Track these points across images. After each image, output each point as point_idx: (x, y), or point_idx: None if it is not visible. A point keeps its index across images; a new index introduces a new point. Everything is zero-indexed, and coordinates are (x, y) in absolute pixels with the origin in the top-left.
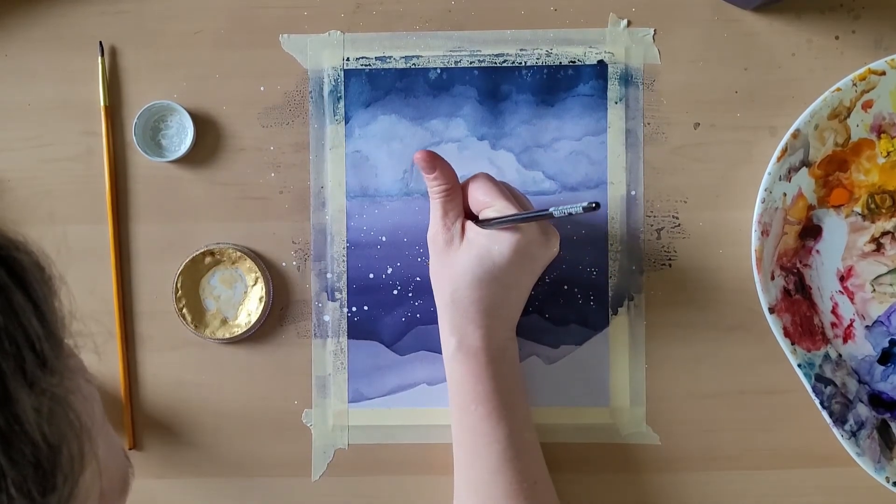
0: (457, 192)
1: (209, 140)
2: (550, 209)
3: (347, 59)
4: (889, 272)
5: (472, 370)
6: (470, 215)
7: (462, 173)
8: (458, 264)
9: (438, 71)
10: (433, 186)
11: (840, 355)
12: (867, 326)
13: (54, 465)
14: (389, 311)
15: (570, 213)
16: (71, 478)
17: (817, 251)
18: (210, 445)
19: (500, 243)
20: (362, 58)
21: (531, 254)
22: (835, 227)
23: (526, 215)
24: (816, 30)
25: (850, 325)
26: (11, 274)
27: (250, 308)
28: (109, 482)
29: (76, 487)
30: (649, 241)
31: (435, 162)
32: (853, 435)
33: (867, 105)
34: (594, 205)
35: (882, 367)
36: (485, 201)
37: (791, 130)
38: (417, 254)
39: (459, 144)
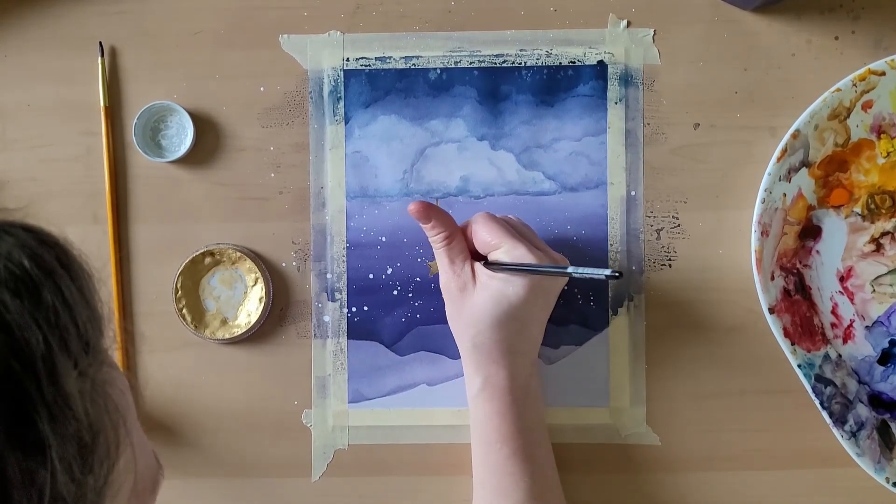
0: (458, 237)
1: (209, 140)
2: (569, 269)
3: (347, 60)
4: (889, 272)
5: (497, 409)
6: (476, 255)
7: (462, 173)
8: (475, 308)
9: (438, 71)
10: (433, 236)
11: (840, 356)
12: (867, 327)
13: (94, 447)
14: (389, 311)
15: (590, 277)
16: (107, 463)
17: (817, 251)
18: (210, 446)
19: (513, 284)
20: (362, 58)
21: (544, 288)
22: (834, 227)
23: (540, 269)
24: (816, 30)
25: (850, 326)
26: (62, 263)
27: (250, 308)
28: (141, 479)
29: (111, 474)
30: (649, 241)
31: (429, 211)
32: (853, 435)
33: (867, 105)
34: (617, 274)
35: (882, 368)
36: (492, 243)
37: (791, 131)
38: (417, 254)
39: (459, 145)
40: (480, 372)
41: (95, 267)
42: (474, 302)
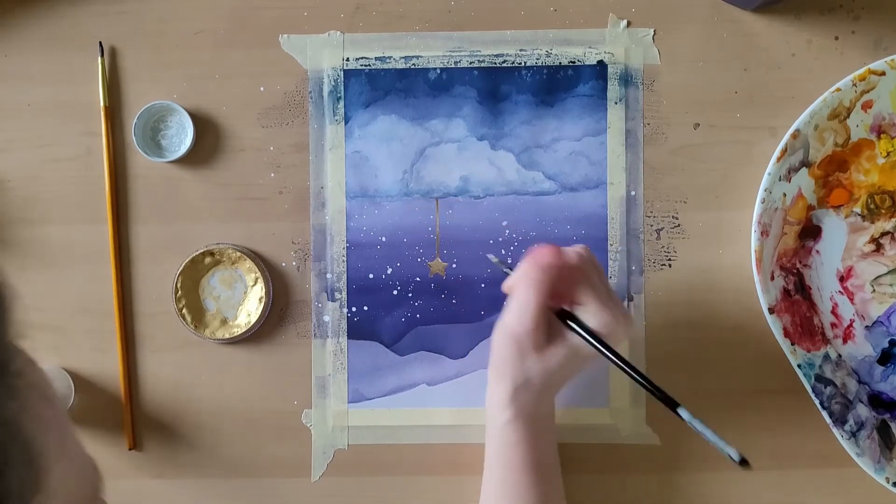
0: (550, 288)
1: (209, 140)
2: (645, 382)
3: (347, 60)
4: (889, 272)
5: (527, 438)
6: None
7: (462, 173)
8: (546, 362)
9: (438, 71)
10: (539, 280)
11: (840, 356)
12: (867, 327)
13: (5, 481)
14: (389, 311)
15: (654, 394)
16: (29, 491)
17: (817, 251)
18: (210, 445)
19: (587, 345)
20: (362, 58)
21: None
22: (834, 227)
23: (632, 372)
24: (816, 30)
25: (850, 326)
26: None
27: (250, 308)
28: (78, 490)
29: (36, 497)
30: (649, 241)
31: (556, 260)
32: (853, 435)
33: (867, 105)
34: (740, 461)
35: (882, 368)
36: (576, 300)
37: (791, 131)
38: (417, 254)
39: (459, 145)
40: (516, 406)
41: (7, 283)
42: (547, 356)
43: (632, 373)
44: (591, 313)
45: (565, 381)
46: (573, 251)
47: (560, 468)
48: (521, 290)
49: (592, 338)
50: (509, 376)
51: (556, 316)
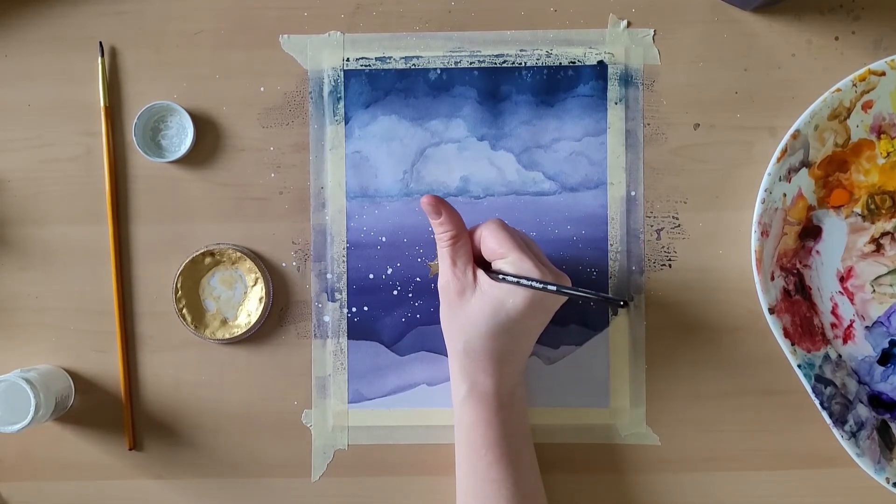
0: (465, 239)
1: (209, 140)
2: (573, 289)
3: (347, 60)
4: (889, 273)
5: (482, 416)
6: (480, 261)
7: (462, 173)
8: (472, 315)
9: (438, 71)
10: (440, 233)
11: (840, 356)
12: (867, 327)
13: None
14: (389, 311)
15: (591, 299)
16: None
17: (817, 252)
18: (210, 446)
19: (514, 296)
20: (362, 58)
21: (544, 304)
22: (834, 227)
23: (546, 285)
24: (816, 30)
25: (850, 326)
26: None
27: (250, 308)
28: None
29: None
30: (649, 241)
31: (440, 206)
32: (853, 435)
33: (867, 106)
34: (621, 303)
35: (882, 368)
36: (499, 251)
37: (791, 131)
38: (417, 254)
39: (459, 145)
40: (467, 378)
41: None
42: (471, 308)
43: (558, 289)
44: (510, 263)
45: (514, 351)
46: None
47: (531, 446)
48: (438, 251)
49: (514, 278)
50: (449, 341)
51: (483, 272)
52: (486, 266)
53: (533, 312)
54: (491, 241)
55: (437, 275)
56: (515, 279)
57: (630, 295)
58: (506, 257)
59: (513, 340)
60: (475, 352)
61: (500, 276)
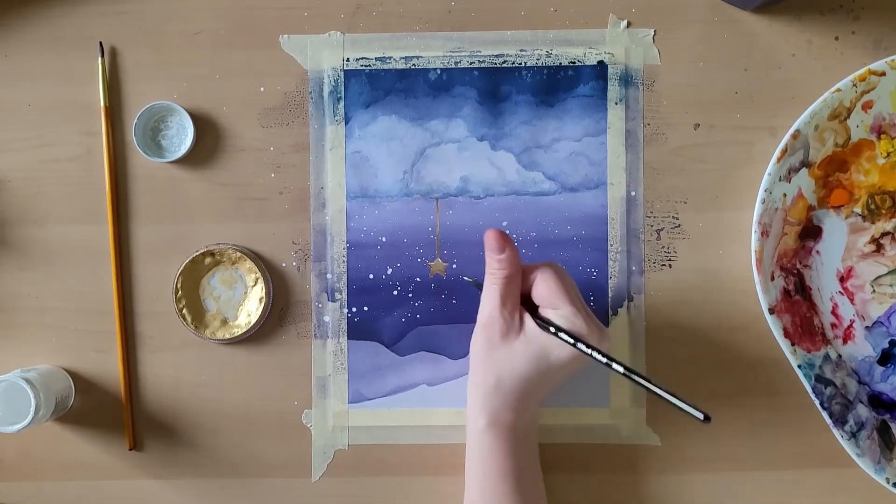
0: (518, 279)
1: (209, 140)
2: (623, 369)
3: (347, 60)
4: (889, 273)
5: (501, 447)
6: (525, 301)
7: (462, 174)
8: (512, 357)
9: (438, 71)
10: (497, 269)
11: (840, 356)
12: (867, 327)
13: None
14: (389, 311)
15: (655, 393)
16: None
17: (817, 252)
18: (210, 446)
19: (560, 348)
20: (362, 58)
21: (584, 360)
22: (835, 227)
23: (592, 350)
24: (816, 31)
25: (850, 326)
26: None
27: (250, 308)
28: None
29: None
30: (649, 241)
31: (505, 243)
32: (853, 436)
33: (867, 106)
34: (701, 417)
35: (882, 368)
36: (550, 300)
37: (791, 131)
38: (417, 254)
39: (459, 145)
40: (488, 411)
41: None
42: (513, 350)
43: (622, 369)
44: (563, 317)
45: (540, 391)
46: (542, 263)
47: (541, 475)
48: (487, 282)
49: (568, 335)
50: (480, 374)
51: (530, 315)
52: (529, 304)
53: (573, 364)
54: (544, 288)
55: (437, 275)
56: (569, 339)
57: (706, 415)
58: (558, 308)
59: (544, 383)
60: (505, 389)
61: (552, 330)
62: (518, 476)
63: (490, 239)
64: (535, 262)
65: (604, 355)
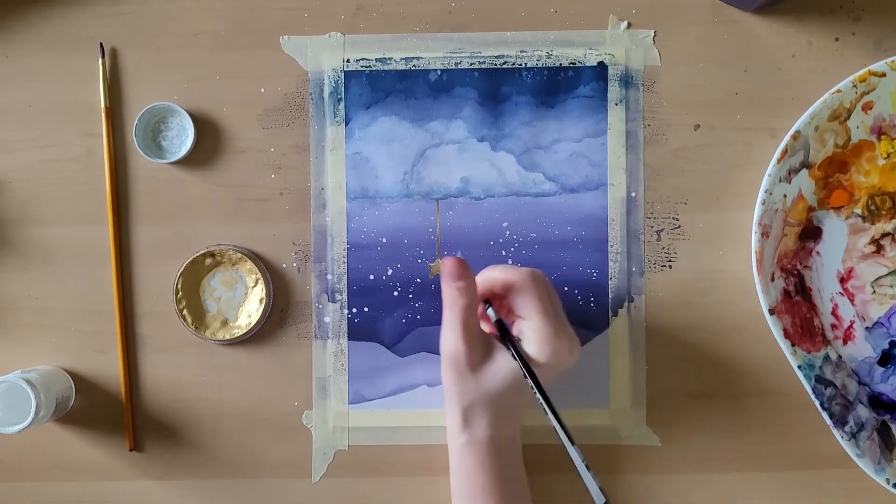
0: (475, 304)
1: (209, 141)
2: (555, 421)
3: (348, 61)
4: (889, 274)
5: (481, 462)
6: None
7: (462, 175)
8: (484, 384)
9: (439, 72)
10: (455, 297)
11: (840, 357)
12: (867, 328)
13: None
14: (390, 312)
15: (564, 446)
16: None
17: (817, 253)
18: (210, 447)
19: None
20: (362, 59)
21: (559, 371)
22: (835, 228)
23: (540, 393)
24: (816, 31)
25: (851, 327)
26: None
27: (251, 309)
28: None
29: None
30: (649, 242)
31: (464, 271)
32: (853, 436)
33: (867, 107)
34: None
35: (882, 369)
36: (523, 310)
37: (791, 132)
38: (418, 255)
39: (459, 146)
40: (467, 431)
41: None
42: (484, 377)
43: (546, 406)
44: (532, 328)
45: (519, 405)
46: (521, 269)
47: (526, 485)
48: (445, 311)
49: (522, 362)
50: (455, 399)
51: (499, 333)
52: (490, 315)
53: (551, 377)
54: (518, 299)
55: (437, 276)
56: (525, 372)
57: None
58: (530, 319)
59: (518, 403)
60: (479, 411)
61: (511, 354)
62: (501, 490)
63: (448, 266)
64: (516, 268)
65: (545, 399)
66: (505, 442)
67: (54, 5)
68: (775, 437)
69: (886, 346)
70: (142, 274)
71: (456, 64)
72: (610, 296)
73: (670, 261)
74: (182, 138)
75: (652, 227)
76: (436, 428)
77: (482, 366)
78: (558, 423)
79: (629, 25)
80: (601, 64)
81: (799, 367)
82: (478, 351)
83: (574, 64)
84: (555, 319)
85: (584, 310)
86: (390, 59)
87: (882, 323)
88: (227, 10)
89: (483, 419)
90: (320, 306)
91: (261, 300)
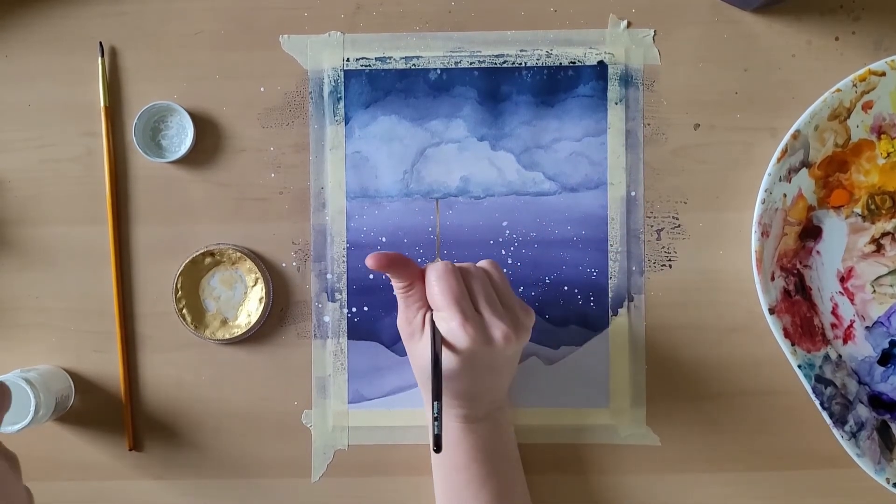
0: (419, 285)
1: (209, 141)
2: (434, 408)
3: (347, 60)
4: (889, 273)
5: (451, 438)
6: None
7: (462, 174)
8: (420, 358)
9: (438, 71)
10: (393, 282)
11: (840, 356)
12: (867, 327)
13: None
14: (389, 311)
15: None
16: None
17: (817, 252)
18: (210, 446)
19: (448, 353)
20: (362, 58)
21: (483, 359)
22: (835, 227)
23: (435, 378)
24: (816, 31)
25: (850, 326)
26: None
27: (250, 309)
28: None
29: None
30: (649, 241)
31: (389, 265)
32: (853, 436)
33: (867, 106)
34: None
35: (882, 368)
36: (436, 303)
37: (791, 131)
38: (417, 254)
39: (459, 145)
40: (436, 403)
41: None
42: (419, 351)
43: (432, 409)
44: (439, 318)
45: (470, 388)
46: (427, 265)
47: (515, 468)
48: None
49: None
50: (415, 370)
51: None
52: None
53: (470, 368)
54: (432, 291)
55: None
56: (432, 351)
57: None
58: (440, 312)
59: (475, 380)
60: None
61: (431, 335)
62: (475, 467)
63: (372, 266)
64: (467, 263)
65: (436, 389)
66: (475, 420)
67: (54, 5)
68: (775, 436)
69: (886, 345)
70: (141, 273)
71: (456, 63)
72: (610, 295)
73: (670, 260)
74: (182, 137)
75: (652, 226)
76: None
77: (418, 340)
78: (436, 409)
79: (629, 24)
80: (601, 63)
81: (799, 366)
82: (415, 328)
83: (574, 63)
84: (458, 306)
85: (584, 309)
86: (390, 58)
87: (882, 322)
88: (227, 9)
89: (448, 401)
90: (320, 306)
91: (260, 299)
